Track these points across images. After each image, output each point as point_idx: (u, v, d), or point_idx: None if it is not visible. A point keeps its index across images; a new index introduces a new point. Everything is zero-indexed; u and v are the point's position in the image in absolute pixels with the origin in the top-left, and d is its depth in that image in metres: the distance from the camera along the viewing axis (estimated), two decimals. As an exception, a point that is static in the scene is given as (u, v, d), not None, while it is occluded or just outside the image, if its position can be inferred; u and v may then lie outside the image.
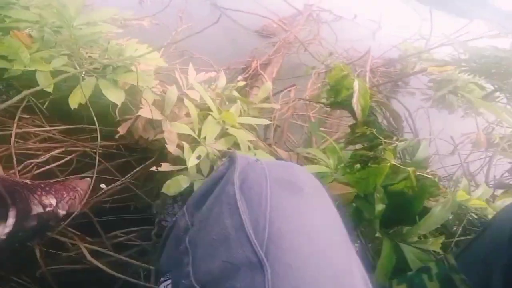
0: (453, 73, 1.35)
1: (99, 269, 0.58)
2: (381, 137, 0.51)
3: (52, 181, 0.66)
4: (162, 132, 0.66)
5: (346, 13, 2.16)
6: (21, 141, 0.71)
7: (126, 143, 0.78)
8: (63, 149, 0.72)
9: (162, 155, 0.68)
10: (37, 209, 0.48)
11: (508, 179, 0.91)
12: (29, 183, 0.53)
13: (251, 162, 0.31)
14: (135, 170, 0.67)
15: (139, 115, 0.65)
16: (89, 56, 0.78)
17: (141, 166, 0.67)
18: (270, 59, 1.28)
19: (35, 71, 0.63)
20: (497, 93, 0.97)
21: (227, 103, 0.69)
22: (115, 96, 0.59)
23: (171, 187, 0.56)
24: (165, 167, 0.60)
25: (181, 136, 0.64)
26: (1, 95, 0.85)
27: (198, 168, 0.59)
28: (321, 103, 0.65)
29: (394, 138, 0.51)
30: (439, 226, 0.49)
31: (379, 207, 0.48)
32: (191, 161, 0.56)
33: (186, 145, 0.57)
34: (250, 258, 0.22)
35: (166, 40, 1.31)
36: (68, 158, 0.73)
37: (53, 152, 0.69)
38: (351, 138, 0.54)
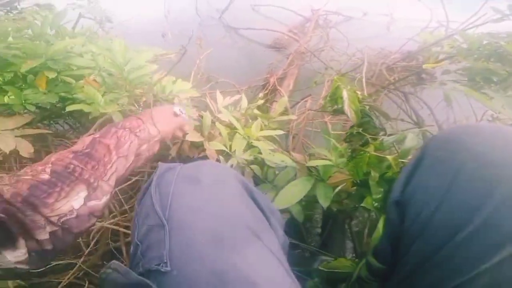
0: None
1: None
2: (369, 134, 0.65)
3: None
4: (203, 150, 0.84)
5: (355, 12, 2.23)
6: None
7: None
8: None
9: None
10: (45, 232, 0.38)
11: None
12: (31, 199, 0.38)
13: (171, 167, 0.48)
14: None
15: (184, 139, 0.84)
16: (141, 93, 0.98)
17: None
18: (285, 72, 1.43)
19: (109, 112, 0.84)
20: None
21: (250, 120, 0.87)
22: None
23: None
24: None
25: (218, 152, 0.82)
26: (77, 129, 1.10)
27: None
28: (327, 111, 0.79)
29: (381, 134, 0.65)
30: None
31: (375, 190, 0.61)
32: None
33: (221, 158, 0.75)
34: (157, 222, 0.40)
35: (191, 68, 1.51)
36: (134, 179, 0.95)
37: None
38: (349, 137, 0.68)
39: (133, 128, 0.53)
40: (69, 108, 0.79)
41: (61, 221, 0.39)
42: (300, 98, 1.22)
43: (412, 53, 1.77)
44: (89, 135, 0.50)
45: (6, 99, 0.86)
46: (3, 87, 0.89)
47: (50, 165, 0.42)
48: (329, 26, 1.99)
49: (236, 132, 0.80)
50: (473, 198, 0.33)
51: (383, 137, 0.64)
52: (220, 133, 0.88)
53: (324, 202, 0.63)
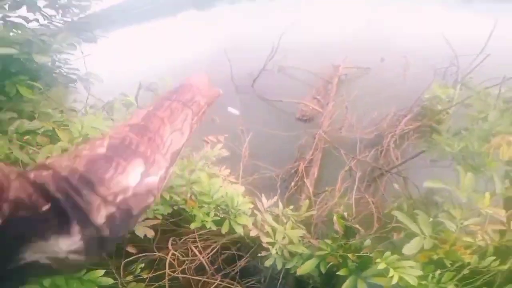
0: None
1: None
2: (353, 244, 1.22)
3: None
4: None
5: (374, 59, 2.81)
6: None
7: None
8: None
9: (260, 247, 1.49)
10: (101, 214, 0.35)
11: None
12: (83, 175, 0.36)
13: None
14: (243, 259, 1.50)
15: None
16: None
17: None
18: (310, 159, 2.01)
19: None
20: None
21: (285, 221, 1.47)
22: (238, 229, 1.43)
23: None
24: (263, 253, 1.40)
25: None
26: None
27: (278, 255, 1.37)
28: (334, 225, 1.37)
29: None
30: None
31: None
32: (273, 253, 1.35)
33: (271, 248, 1.37)
34: None
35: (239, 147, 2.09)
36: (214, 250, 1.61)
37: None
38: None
39: (187, 101, 0.49)
40: (192, 227, 1.45)
41: (117, 200, 0.36)
42: (321, 190, 1.79)
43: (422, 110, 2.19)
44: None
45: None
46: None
47: (107, 139, 0.40)
48: (347, 96, 2.46)
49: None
50: None
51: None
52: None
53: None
